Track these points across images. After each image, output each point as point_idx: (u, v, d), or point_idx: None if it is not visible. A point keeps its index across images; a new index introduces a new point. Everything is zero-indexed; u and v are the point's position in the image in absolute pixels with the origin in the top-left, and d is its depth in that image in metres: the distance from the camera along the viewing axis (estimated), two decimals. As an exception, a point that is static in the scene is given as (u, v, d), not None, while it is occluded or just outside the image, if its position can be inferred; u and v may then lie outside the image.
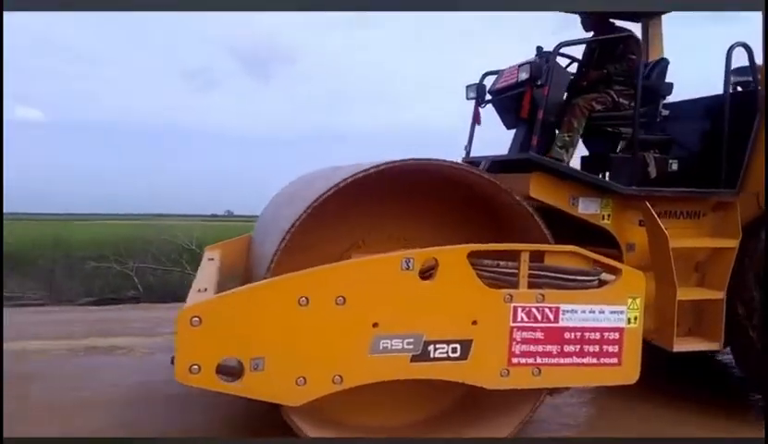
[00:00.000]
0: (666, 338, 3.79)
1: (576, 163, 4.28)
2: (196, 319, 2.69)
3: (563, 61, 4.39)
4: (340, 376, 2.87)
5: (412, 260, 2.90)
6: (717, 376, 5.32)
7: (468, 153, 4.52)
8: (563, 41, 3.75)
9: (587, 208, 3.89)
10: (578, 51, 4.58)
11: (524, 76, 3.81)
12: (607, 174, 4.18)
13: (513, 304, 3.03)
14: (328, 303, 2.81)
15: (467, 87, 4.52)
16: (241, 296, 2.80)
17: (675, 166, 4.24)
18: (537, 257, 3.13)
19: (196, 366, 2.70)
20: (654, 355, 3.61)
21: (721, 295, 3.82)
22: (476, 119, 4.41)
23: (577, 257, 3.16)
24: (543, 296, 3.07)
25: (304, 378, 2.82)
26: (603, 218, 3.92)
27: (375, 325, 2.88)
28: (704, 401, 4.32)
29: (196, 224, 26.08)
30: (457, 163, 3.10)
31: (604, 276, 3.23)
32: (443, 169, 3.06)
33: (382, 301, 2.89)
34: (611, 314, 3.16)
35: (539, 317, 3.07)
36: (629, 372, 3.21)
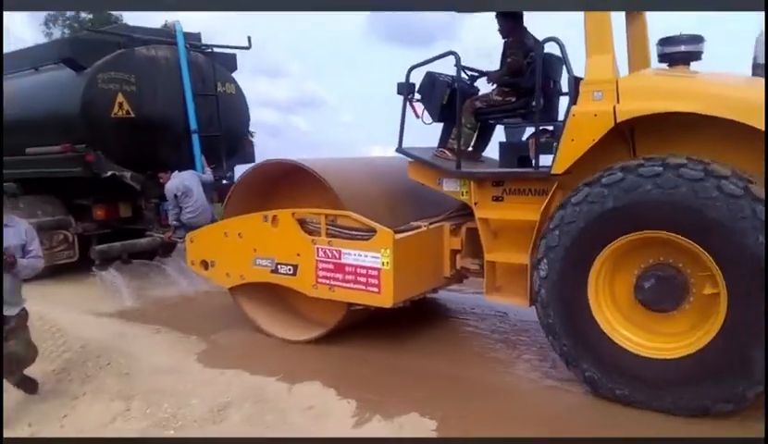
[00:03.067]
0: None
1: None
2: (190, 240, 5.84)
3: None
4: (242, 275, 5.53)
5: (268, 216, 5.28)
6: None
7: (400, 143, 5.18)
8: (413, 64, 5.08)
9: (449, 187, 5.12)
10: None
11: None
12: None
13: (316, 246, 5.02)
14: (235, 236, 5.50)
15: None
16: (207, 229, 5.81)
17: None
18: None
19: (192, 262, 5.85)
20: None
21: (524, 260, 4.54)
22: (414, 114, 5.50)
23: (353, 220, 4.85)
24: (331, 242, 4.93)
25: (228, 274, 5.61)
26: (462, 194, 5.05)
27: (255, 250, 5.40)
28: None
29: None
30: (278, 160, 5.24)
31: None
32: (281, 166, 5.26)
33: (256, 237, 5.37)
34: (371, 258, 4.74)
35: (330, 255, 4.95)
36: (385, 298, 4.71)
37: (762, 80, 4.54)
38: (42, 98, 7.96)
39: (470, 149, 5.38)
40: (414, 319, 5.84)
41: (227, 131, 8.71)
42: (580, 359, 4.13)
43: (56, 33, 29.49)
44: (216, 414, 4.20)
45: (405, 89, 5.18)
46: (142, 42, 7.97)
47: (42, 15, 31.80)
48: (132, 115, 7.70)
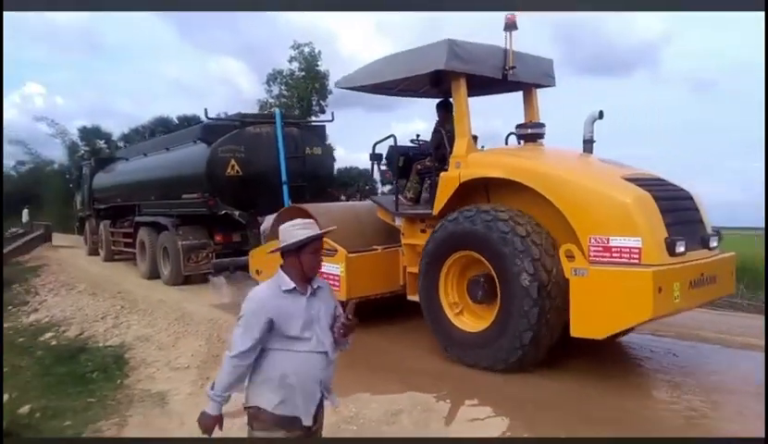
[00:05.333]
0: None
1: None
2: (251, 255, 8.99)
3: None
4: (275, 279, 8.47)
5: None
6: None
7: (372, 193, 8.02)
8: (374, 141, 7.72)
9: (399, 222, 7.63)
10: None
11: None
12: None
13: (310, 260, 7.81)
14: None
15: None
16: (259, 249, 8.90)
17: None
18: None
19: (251, 270, 8.97)
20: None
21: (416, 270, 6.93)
22: (386, 176, 8.16)
23: (329, 243, 7.57)
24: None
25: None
26: (402, 227, 7.53)
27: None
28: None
29: None
30: (294, 205, 8.10)
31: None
32: (298, 209, 8.16)
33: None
34: (335, 268, 7.42)
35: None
36: (342, 294, 7.32)
37: (590, 156, 6.63)
38: (189, 162, 11.81)
39: (426, 196, 7.85)
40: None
41: (311, 181, 11.87)
42: (440, 335, 6.44)
43: (275, 90, 33.52)
44: (389, 417, 4.97)
45: (374, 157, 7.87)
46: (251, 123, 11.52)
47: (264, 75, 36.97)
48: (241, 173, 11.19)
